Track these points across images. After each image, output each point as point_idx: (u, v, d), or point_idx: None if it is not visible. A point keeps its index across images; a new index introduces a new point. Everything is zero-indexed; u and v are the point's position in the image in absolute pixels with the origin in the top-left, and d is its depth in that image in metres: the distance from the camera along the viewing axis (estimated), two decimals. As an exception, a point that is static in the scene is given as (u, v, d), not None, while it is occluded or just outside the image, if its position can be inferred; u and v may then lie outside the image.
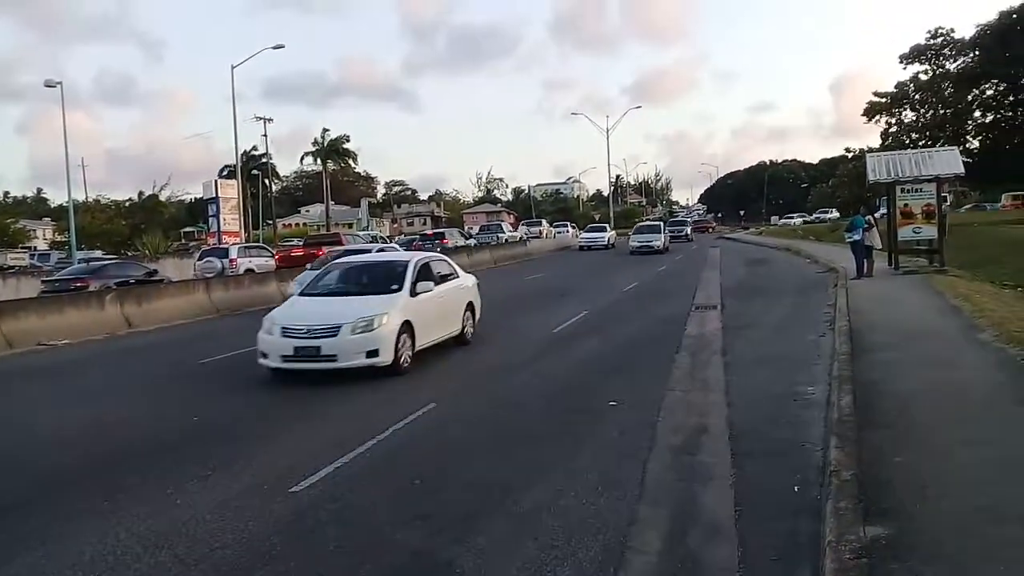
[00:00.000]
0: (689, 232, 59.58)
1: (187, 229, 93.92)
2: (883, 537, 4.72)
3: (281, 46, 46.53)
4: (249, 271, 30.79)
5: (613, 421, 8.48)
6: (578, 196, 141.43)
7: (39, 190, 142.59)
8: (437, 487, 6.55)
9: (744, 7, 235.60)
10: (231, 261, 32.23)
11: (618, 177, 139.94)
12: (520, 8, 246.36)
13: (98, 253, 52.89)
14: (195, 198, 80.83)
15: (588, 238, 54.49)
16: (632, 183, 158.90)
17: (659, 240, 44.41)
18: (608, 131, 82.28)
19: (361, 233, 56.08)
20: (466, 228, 69.01)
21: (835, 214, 74.79)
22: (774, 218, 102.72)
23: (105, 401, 11.04)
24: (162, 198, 70.79)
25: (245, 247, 36.49)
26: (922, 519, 4.95)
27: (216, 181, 50.36)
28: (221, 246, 39.21)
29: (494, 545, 5.38)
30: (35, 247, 71.79)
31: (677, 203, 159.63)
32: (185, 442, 8.38)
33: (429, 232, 55.97)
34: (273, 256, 35.11)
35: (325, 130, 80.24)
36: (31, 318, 17.56)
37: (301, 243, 42.08)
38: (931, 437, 6.65)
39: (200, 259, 34.29)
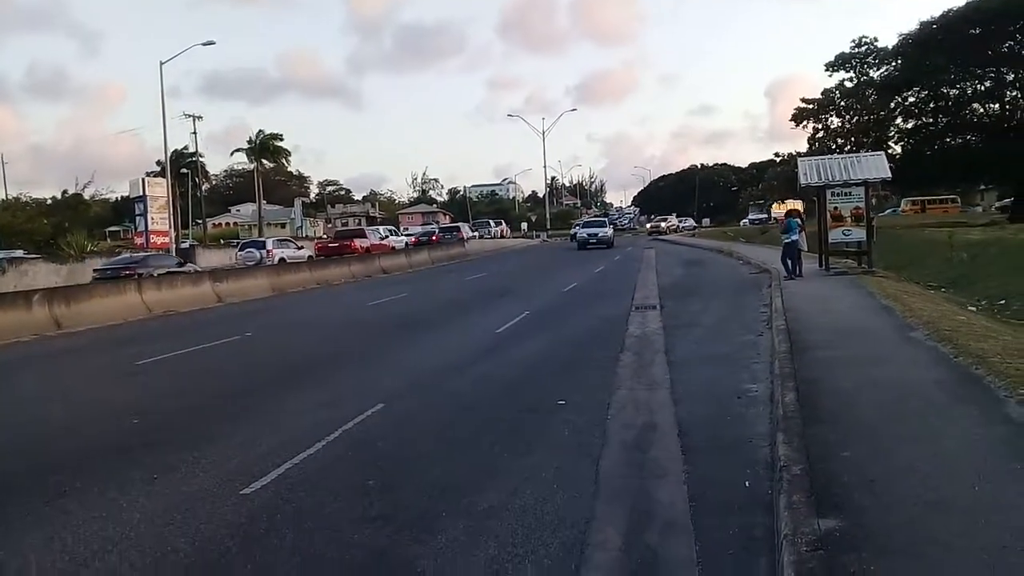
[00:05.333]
0: None
1: (112, 228, 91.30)
2: (837, 530, 4.84)
3: (212, 42, 44.94)
4: (282, 260, 37.29)
5: (563, 420, 8.52)
6: (514, 197, 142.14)
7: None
8: (392, 488, 6.49)
9: (689, 11, 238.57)
10: (268, 252, 38.55)
11: (553, 179, 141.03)
12: (469, 7, 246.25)
13: (19, 252, 51.09)
14: (121, 197, 78.63)
15: (588, 233, 48.64)
16: (567, 185, 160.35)
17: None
18: (544, 133, 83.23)
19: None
20: (401, 228, 71.87)
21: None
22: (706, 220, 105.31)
23: (38, 404, 10.67)
24: (86, 196, 68.65)
25: (278, 240, 43.97)
26: (873, 512, 5.09)
27: (144, 179, 48.99)
28: (259, 239, 47.85)
29: (454, 544, 5.35)
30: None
31: (611, 204, 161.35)
32: (127, 445, 8.14)
33: (448, 224, 68.85)
34: (299, 248, 41.83)
35: (260, 131, 78.70)
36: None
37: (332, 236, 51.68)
38: (875, 433, 6.85)
39: (241, 250, 41.01)
